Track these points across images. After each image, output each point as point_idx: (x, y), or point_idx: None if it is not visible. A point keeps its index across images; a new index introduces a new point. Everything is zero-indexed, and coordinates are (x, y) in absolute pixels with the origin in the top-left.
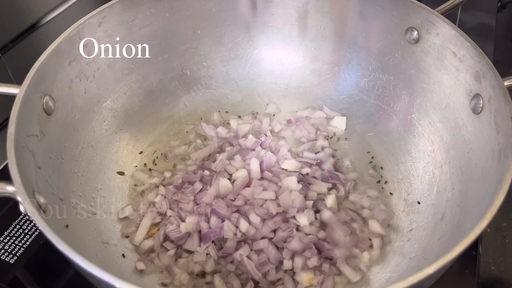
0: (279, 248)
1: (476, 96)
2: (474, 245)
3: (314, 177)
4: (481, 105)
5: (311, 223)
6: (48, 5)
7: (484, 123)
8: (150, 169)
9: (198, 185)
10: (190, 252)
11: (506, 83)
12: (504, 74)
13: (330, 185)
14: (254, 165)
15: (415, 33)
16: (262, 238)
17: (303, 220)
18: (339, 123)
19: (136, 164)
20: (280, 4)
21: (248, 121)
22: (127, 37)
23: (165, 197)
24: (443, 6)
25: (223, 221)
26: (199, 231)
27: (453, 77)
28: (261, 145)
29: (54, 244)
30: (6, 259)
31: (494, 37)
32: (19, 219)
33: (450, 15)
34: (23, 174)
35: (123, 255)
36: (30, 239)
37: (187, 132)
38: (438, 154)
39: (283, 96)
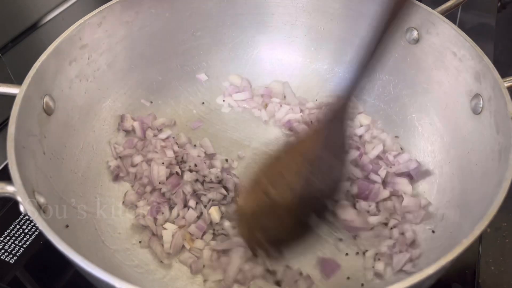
0: None
1: (476, 96)
2: (474, 245)
3: None
4: (481, 105)
5: None
6: (48, 5)
7: (484, 123)
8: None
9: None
10: None
11: (506, 83)
12: (504, 74)
13: None
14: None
15: (415, 33)
16: None
17: None
18: None
19: None
20: (280, 4)
21: None
22: (127, 37)
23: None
24: (443, 6)
25: None
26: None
27: (453, 77)
28: None
29: (54, 244)
30: (6, 259)
31: (494, 37)
32: (19, 219)
33: (450, 15)
34: (23, 174)
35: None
36: (30, 239)
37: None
38: (438, 154)
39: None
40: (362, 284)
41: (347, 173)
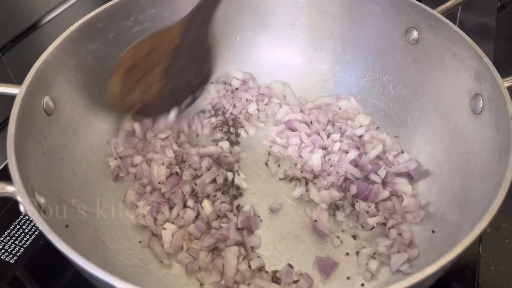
0: None
1: (476, 96)
2: (474, 245)
3: None
4: (481, 105)
5: None
6: (48, 5)
7: (484, 123)
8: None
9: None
10: None
11: (506, 83)
12: (504, 74)
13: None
14: None
15: (415, 33)
16: None
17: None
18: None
19: None
20: (280, 4)
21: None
22: (127, 37)
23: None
24: (443, 6)
25: None
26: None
27: (453, 77)
28: None
29: (54, 244)
30: (6, 259)
31: (494, 37)
32: (19, 219)
33: (450, 15)
34: (23, 174)
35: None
36: (30, 239)
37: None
38: (438, 154)
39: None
40: (362, 284)
41: (213, 68)
